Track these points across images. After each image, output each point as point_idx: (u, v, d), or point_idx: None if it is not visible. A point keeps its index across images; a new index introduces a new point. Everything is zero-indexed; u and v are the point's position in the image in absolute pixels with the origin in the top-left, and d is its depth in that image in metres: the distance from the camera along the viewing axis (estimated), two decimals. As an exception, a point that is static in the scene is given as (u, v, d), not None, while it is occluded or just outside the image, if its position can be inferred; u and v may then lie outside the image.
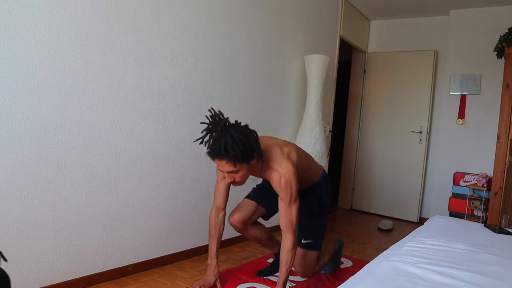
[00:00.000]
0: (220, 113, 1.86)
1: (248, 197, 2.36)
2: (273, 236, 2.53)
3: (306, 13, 3.70)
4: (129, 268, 2.36)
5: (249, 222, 2.32)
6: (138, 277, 2.35)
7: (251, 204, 2.31)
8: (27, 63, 1.80)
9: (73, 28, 1.96)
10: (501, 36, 3.52)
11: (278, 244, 2.46)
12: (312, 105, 3.48)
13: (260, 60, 3.22)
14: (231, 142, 1.74)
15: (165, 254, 2.58)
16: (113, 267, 2.27)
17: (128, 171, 2.30)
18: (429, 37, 4.64)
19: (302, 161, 2.10)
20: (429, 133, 4.59)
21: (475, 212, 3.92)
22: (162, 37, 2.41)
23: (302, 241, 2.19)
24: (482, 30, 4.15)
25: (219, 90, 2.86)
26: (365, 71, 5.01)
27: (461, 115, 4.28)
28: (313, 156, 3.41)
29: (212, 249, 2.21)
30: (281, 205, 1.96)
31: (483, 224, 2.40)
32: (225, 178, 1.89)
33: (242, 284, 2.30)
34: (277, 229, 3.68)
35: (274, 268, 2.48)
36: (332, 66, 4.18)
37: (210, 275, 2.20)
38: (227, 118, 1.86)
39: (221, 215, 2.22)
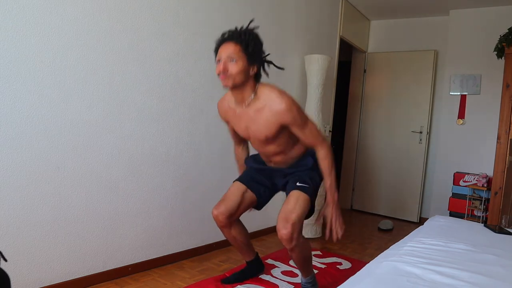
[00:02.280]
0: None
1: (237, 179, 2.20)
2: (251, 244, 2.37)
3: (306, 13, 3.70)
4: (129, 268, 2.36)
5: (235, 216, 2.15)
6: (138, 277, 2.35)
7: (238, 192, 2.13)
8: (27, 63, 1.80)
9: (73, 28, 1.96)
10: (501, 36, 3.52)
11: (254, 252, 2.40)
12: (312, 105, 3.48)
13: (260, 60, 3.21)
14: (249, 31, 1.82)
15: (165, 254, 2.58)
16: (113, 267, 2.28)
17: (128, 171, 2.30)
18: (429, 37, 4.64)
19: None
20: (429, 133, 4.59)
21: (475, 212, 3.91)
22: (162, 37, 2.41)
23: (297, 184, 2.00)
24: (482, 30, 4.15)
25: (219, 90, 2.86)
26: (365, 71, 5.01)
27: (461, 115, 4.28)
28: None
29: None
30: (296, 130, 1.86)
31: (483, 224, 2.40)
32: (220, 71, 1.80)
33: (239, 286, 2.30)
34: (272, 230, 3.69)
35: (242, 275, 2.35)
36: (332, 66, 4.18)
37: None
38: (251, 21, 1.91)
39: (242, 145, 2.30)
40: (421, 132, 4.59)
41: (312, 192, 2.03)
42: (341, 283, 1.37)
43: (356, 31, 4.72)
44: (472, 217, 3.89)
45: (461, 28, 4.30)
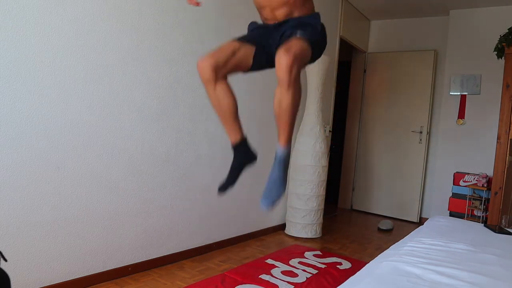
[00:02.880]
0: None
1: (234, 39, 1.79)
2: (239, 120, 1.92)
3: (306, 13, 3.70)
4: (129, 268, 2.36)
5: (223, 71, 1.73)
6: (138, 277, 2.35)
7: (232, 45, 1.74)
8: (27, 63, 1.80)
9: (73, 28, 1.96)
10: (501, 36, 3.52)
11: (242, 133, 1.95)
12: (312, 105, 3.48)
13: (260, 60, 3.21)
14: None
15: (165, 254, 2.58)
16: (113, 267, 2.27)
17: (128, 171, 2.30)
18: (429, 37, 4.64)
19: None
20: (429, 133, 4.59)
21: (475, 212, 3.92)
22: (162, 37, 2.41)
23: (298, 34, 1.72)
24: (482, 30, 4.15)
25: (219, 90, 2.86)
26: (365, 71, 5.01)
27: (461, 115, 4.28)
28: (313, 156, 3.41)
29: None
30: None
31: (483, 224, 2.40)
32: None
33: (239, 286, 2.30)
34: (269, 231, 3.70)
35: (232, 172, 1.92)
36: (332, 66, 4.18)
37: None
38: None
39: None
40: (421, 132, 4.59)
41: (309, 36, 1.74)
42: (341, 283, 1.38)
43: (356, 31, 4.71)
44: (472, 217, 3.89)
45: (461, 28, 4.30)
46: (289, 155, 1.83)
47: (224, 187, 1.93)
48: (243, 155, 1.98)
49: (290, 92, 1.65)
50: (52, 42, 1.88)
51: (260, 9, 1.85)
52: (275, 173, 1.76)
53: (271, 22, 1.84)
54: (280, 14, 1.83)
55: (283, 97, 1.68)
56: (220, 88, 1.79)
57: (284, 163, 1.81)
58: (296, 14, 1.85)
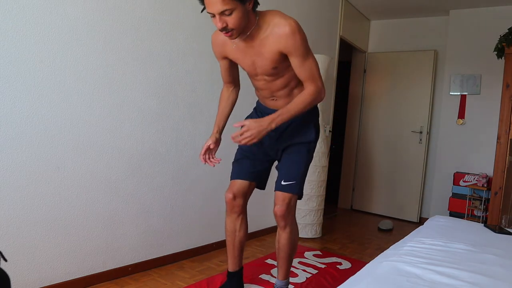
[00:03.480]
0: None
1: (233, 177, 2.07)
2: (242, 252, 2.17)
3: (306, 13, 3.70)
4: (129, 268, 2.36)
5: (247, 197, 2.06)
6: (138, 277, 2.35)
7: (242, 183, 2.03)
8: (27, 63, 1.80)
9: (73, 28, 1.96)
10: (501, 36, 3.52)
11: (241, 263, 2.17)
12: (312, 105, 3.47)
13: (260, 60, 3.21)
14: None
15: (165, 254, 2.58)
16: (113, 267, 2.28)
17: (128, 171, 2.30)
18: (429, 37, 4.64)
19: None
20: (429, 133, 4.59)
21: (475, 212, 3.92)
22: (162, 37, 2.41)
23: (282, 183, 1.92)
24: (482, 30, 4.15)
25: (219, 90, 2.86)
26: (365, 71, 5.01)
27: (461, 115, 4.28)
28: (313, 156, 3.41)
29: (218, 117, 2.07)
30: (295, 60, 1.72)
31: (483, 224, 2.40)
32: (219, 27, 1.61)
33: (242, 284, 2.30)
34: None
35: None
36: (332, 66, 4.18)
37: (208, 139, 2.01)
38: None
39: (232, 88, 2.08)
40: (421, 132, 4.59)
41: (300, 186, 1.95)
42: (341, 283, 1.38)
43: (356, 31, 4.72)
44: (472, 217, 3.89)
45: (461, 28, 4.30)
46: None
47: None
48: (236, 284, 2.17)
49: (287, 231, 1.96)
50: (52, 42, 1.88)
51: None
52: None
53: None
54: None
55: (280, 236, 1.99)
56: (240, 221, 2.07)
57: None
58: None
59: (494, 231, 2.20)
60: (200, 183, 2.78)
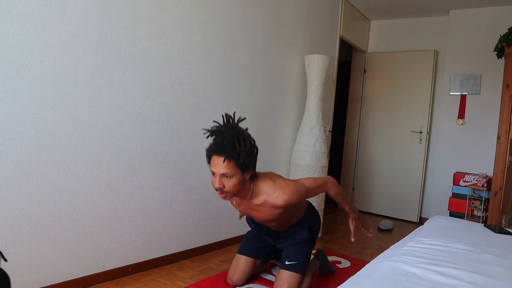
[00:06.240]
0: (232, 116, 1.90)
1: (240, 252, 2.33)
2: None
3: (306, 13, 3.70)
4: (129, 268, 2.36)
5: (249, 276, 2.33)
6: (138, 277, 2.35)
7: (246, 262, 2.29)
8: (27, 63, 1.80)
9: (73, 28, 1.96)
10: (501, 36, 3.52)
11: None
12: (312, 105, 3.48)
13: (260, 60, 3.22)
14: (238, 140, 1.81)
15: (165, 254, 2.58)
16: (113, 267, 2.28)
17: (128, 171, 2.30)
18: (429, 37, 4.64)
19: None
20: (429, 133, 4.59)
21: (475, 212, 3.92)
22: (162, 37, 2.41)
23: (286, 262, 2.16)
24: (482, 30, 4.15)
25: (219, 90, 2.86)
26: (365, 71, 5.01)
27: (461, 115, 4.28)
28: (313, 156, 3.41)
29: None
30: (303, 199, 2.10)
31: (483, 224, 2.40)
32: (216, 185, 1.88)
33: (240, 285, 2.30)
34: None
35: None
36: (332, 66, 4.18)
37: None
38: (239, 118, 1.91)
39: None
40: (421, 132, 4.58)
41: (303, 266, 2.18)
42: (341, 282, 1.38)
43: (356, 31, 4.72)
44: (472, 217, 3.89)
45: (461, 28, 4.30)
46: None
47: None
48: None
49: None
50: (52, 42, 1.88)
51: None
52: None
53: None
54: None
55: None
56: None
57: None
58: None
59: (494, 231, 2.20)
60: (200, 183, 2.78)
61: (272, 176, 2.06)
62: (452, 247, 1.77)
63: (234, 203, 2.13)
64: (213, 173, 1.88)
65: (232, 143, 1.80)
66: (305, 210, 2.30)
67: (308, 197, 2.09)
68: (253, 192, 1.99)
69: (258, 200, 1.99)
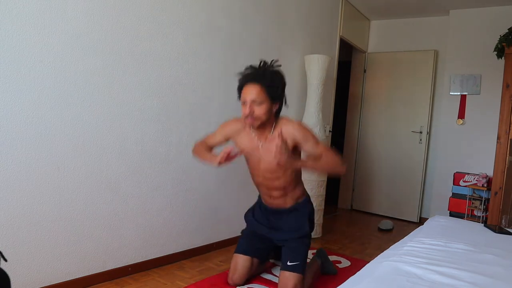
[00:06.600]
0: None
1: (237, 251, 2.32)
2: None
3: (306, 13, 3.70)
4: (129, 268, 2.36)
5: (249, 276, 2.33)
6: (138, 277, 2.35)
7: (245, 261, 2.28)
8: (27, 63, 1.80)
9: (73, 28, 1.96)
10: (501, 36, 3.52)
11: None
12: (312, 105, 3.48)
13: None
14: (275, 72, 2.01)
15: (165, 254, 2.58)
16: (113, 267, 2.28)
17: (128, 171, 2.30)
18: (429, 37, 4.64)
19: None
20: (429, 133, 4.59)
21: (475, 212, 3.92)
22: (162, 37, 2.41)
23: (288, 263, 2.16)
24: (482, 30, 4.15)
25: (219, 90, 2.86)
26: (365, 71, 5.01)
27: (461, 115, 4.28)
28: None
29: (207, 153, 2.23)
30: (309, 145, 2.01)
31: (483, 224, 2.40)
32: (244, 114, 1.97)
33: (240, 285, 2.30)
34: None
35: None
36: (332, 66, 4.18)
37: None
38: (273, 60, 2.09)
39: (209, 150, 2.27)
40: (421, 132, 4.58)
41: (304, 266, 2.19)
42: (341, 282, 1.38)
43: (356, 31, 4.72)
44: (472, 217, 3.89)
45: (461, 28, 4.30)
46: None
47: None
48: None
49: None
50: (52, 42, 1.88)
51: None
52: None
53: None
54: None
55: None
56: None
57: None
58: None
59: (494, 231, 2.20)
60: (200, 183, 2.78)
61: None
62: (452, 247, 1.77)
63: (252, 136, 2.11)
64: (243, 103, 1.99)
65: (263, 72, 1.98)
66: (305, 195, 2.32)
67: (319, 149, 2.00)
68: (274, 130, 2.07)
69: (276, 132, 2.04)
